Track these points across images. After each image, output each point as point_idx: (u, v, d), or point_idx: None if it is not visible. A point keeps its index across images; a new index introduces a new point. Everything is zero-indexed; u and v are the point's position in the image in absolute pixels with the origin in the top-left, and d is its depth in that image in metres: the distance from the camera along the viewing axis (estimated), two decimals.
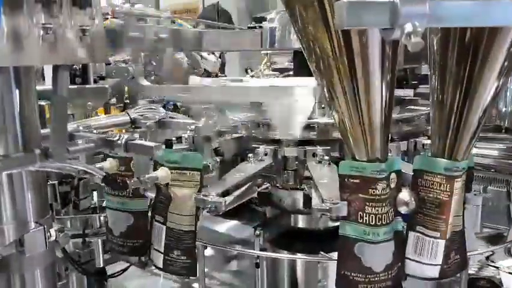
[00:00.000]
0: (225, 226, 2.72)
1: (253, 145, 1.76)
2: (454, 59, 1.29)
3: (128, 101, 2.34)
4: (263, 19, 1.97)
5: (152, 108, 1.74)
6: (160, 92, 1.62)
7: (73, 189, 1.89)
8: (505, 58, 1.21)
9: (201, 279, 2.08)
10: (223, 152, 1.65)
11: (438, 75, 1.35)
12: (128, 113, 1.69)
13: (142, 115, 1.69)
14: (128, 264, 2.46)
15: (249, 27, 1.97)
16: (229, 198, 1.42)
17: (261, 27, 1.91)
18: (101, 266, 2.13)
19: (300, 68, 2.03)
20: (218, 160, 1.60)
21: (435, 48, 1.35)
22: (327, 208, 1.26)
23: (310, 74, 1.96)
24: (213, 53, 2.72)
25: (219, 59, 2.79)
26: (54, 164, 1.23)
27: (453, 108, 1.32)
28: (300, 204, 1.88)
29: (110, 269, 2.49)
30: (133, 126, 1.67)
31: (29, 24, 1.03)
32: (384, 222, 1.29)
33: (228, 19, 4.62)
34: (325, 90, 1.29)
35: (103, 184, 1.36)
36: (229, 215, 2.57)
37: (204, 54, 2.65)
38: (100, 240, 2.03)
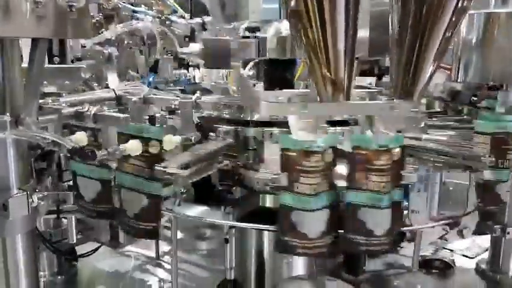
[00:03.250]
0: (195, 211, 2.81)
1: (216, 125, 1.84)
2: (411, 11, 1.42)
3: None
4: (257, 29, 2.08)
5: (136, 86, 1.80)
6: None
7: (49, 165, 1.93)
8: (453, 11, 1.37)
9: (173, 259, 2.16)
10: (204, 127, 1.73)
11: (399, 22, 1.48)
12: (113, 90, 1.74)
13: (127, 92, 1.74)
14: (99, 245, 2.51)
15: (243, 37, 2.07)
16: (187, 171, 1.47)
17: (255, 37, 2.01)
18: (74, 242, 2.17)
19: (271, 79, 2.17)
20: (200, 134, 1.67)
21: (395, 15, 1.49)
22: (269, 178, 1.38)
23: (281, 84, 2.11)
24: (183, 17, 2.76)
25: (189, 23, 2.82)
26: (25, 132, 1.28)
27: (410, 52, 1.46)
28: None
29: (81, 249, 2.54)
30: (118, 102, 1.71)
31: None
32: (317, 192, 1.42)
33: (202, 9, 4.64)
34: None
35: (72, 155, 1.40)
36: (199, 200, 2.65)
37: (173, 18, 2.68)
38: (73, 218, 2.07)
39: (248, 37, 2.08)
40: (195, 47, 1.82)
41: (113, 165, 1.49)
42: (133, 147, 1.42)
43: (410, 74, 1.48)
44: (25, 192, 1.32)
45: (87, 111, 1.37)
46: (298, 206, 1.42)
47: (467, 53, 1.97)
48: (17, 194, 1.31)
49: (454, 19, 1.41)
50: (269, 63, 2.18)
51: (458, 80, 2.07)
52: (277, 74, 2.14)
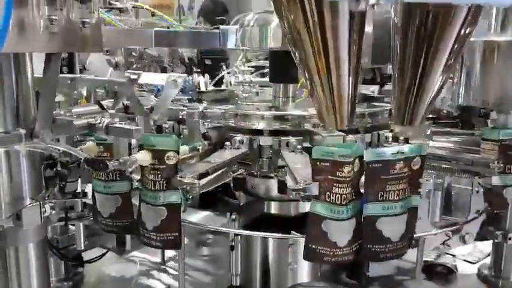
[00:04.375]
0: (200, 217, 2.83)
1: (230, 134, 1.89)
2: (413, 41, 1.45)
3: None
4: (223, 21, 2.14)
5: (142, 96, 1.84)
6: None
7: (58, 174, 1.96)
8: (454, 41, 1.39)
9: (180, 265, 2.19)
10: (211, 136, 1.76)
11: (399, 56, 1.52)
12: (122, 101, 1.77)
13: None
14: (105, 251, 2.54)
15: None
16: (203, 180, 1.53)
17: (217, 28, 2.04)
18: (82, 249, 2.20)
19: (275, 71, 2.19)
20: (206, 143, 1.71)
21: (397, 31, 1.51)
22: (301, 188, 1.40)
23: (285, 77, 2.13)
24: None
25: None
26: (39, 144, 1.33)
27: (412, 79, 1.48)
28: (275, 191, 2.01)
29: (87, 255, 2.57)
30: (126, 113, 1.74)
31: (35, 15, 1.14)
32: (348, 202, 1.46)
33: (223, 9, 4.71)
34: (302, 66, 1.42)
35: (86, 166, 1.45)
36: (203, 206, 2.68)
37: None
38: (81, 224, 2.10)
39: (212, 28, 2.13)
40: None
41: (135, 177, 1.52)
42: (144, 157, 1.46)
43: (412, 101, 1.52)
44: (38, 202, 1.36)
45: (99, 123, 1.41)
46: (330, 215, 1.46)
47: (467, 78, 2.01)
48: (30, 204, 1.35)
49: (455, 47, 1.45)
50: (272, 55, 2.19)
51: (460, 103, 2.11)
52: (281, 66, 2.12)
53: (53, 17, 1.15)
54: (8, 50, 1.13)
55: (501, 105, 1.92)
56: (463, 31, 1.42)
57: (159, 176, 1.53)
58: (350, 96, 1.41)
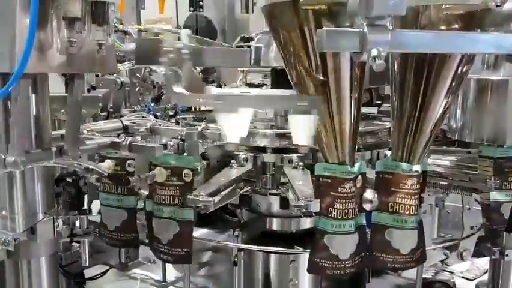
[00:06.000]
0: (198, 233, 2.85)
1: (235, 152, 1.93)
2: (411, 80, 1.53)
3: (112, 109, 2.48)
4: (251, 39, 2.18)
5: (143, 116, 1.90)
6: (189, 100, 1.73)
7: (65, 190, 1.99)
8: (452, 80, 1.45)
9: (186, 282, 2.21)
10: (209, 156, 1.81)
11: (398, 95, 1.60)
12: (121, 120, 1.83)
13: (134, 122, 1.83)
14: (107, 268, 2.56)
15: (237, 46, 2.15)
16: (216, 198, 1.59)
17: (249, 46, 2.09)
18: (87, 265, 2.22)
19: (278, 84, 2.24)
20: (205, 163, 1.76)
21: (396, 71, 1.59)
22: (303, 205, 1.45)
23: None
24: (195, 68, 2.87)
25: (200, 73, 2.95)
26: (66, 160, 1.38)
27: (410, 121, 1.55)
28: (277, 207, 2.05)
29: (89, 273, 2.58)
30: (126, 132, 1.80)
31: (55, 38, 1.20)
32: (349, 217, 1.50)
33: (211, 30, 4.75)
34: None
35: (107, 181, 1.51)
36: (201, 223, 2.70)
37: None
38: (87, 241, 2.12)
39: (242, 46, 2.17)
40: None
41: (144, 193, 1.58)
42: (162, 173, 1.54)
43: (410, 140, 1.60)
44: (51, 217, 1.40)
45: (123, 141, 1.47)
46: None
47: (462, 115, 2.08)
48: (43, 218, 1.40)
49: (453, 85, 1.53)
50: (275, 72, 2.24)
51: (454, 138, 2.17)
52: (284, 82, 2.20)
53: (73, 39, 1.22)
54: (28, 70, 1.18)
55: (495, 140, 1.96)
56: (459, 71, 1.49)
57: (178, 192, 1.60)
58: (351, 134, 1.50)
